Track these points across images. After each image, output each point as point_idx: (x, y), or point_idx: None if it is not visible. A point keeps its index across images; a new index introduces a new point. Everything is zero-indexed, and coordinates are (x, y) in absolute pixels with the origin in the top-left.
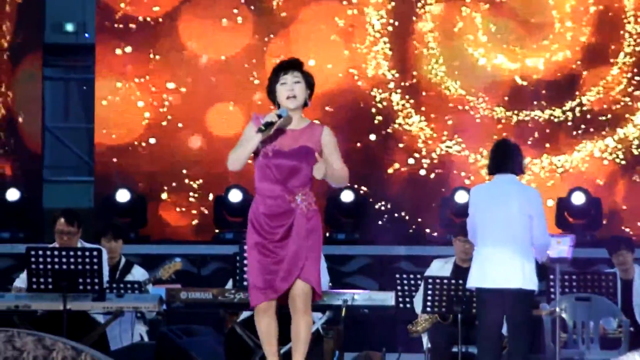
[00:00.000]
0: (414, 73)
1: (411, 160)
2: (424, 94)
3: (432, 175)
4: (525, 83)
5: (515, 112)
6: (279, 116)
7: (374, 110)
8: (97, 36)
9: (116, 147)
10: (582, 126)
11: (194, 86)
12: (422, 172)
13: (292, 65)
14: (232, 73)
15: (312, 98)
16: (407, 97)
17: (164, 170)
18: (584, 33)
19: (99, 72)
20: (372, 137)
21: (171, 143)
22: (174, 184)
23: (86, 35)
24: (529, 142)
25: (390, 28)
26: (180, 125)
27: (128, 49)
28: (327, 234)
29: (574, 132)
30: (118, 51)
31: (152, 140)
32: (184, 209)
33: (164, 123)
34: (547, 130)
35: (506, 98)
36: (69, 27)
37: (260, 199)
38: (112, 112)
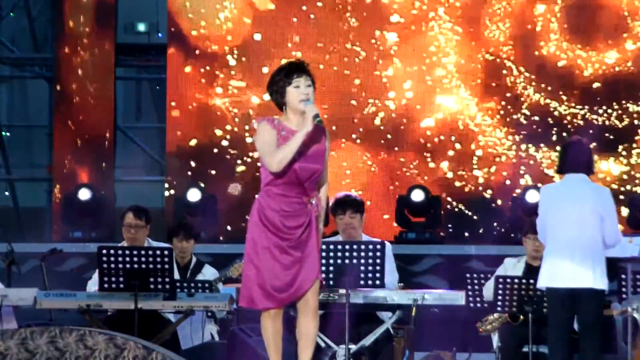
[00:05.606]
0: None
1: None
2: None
3: (503, 174)
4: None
5: (586, 110)
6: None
7: None
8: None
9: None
10: None
11: None
12: (492, 170)
13: (304, 68)
14: None
15: None
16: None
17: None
18: None
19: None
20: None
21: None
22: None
23: (159, 35)
24: (599, 141)
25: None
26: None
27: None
28: (398, 234)
29: None
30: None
31: (225, 143)
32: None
33: (237, 120)
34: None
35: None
36: (141, 27)
37: (274, 199)
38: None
